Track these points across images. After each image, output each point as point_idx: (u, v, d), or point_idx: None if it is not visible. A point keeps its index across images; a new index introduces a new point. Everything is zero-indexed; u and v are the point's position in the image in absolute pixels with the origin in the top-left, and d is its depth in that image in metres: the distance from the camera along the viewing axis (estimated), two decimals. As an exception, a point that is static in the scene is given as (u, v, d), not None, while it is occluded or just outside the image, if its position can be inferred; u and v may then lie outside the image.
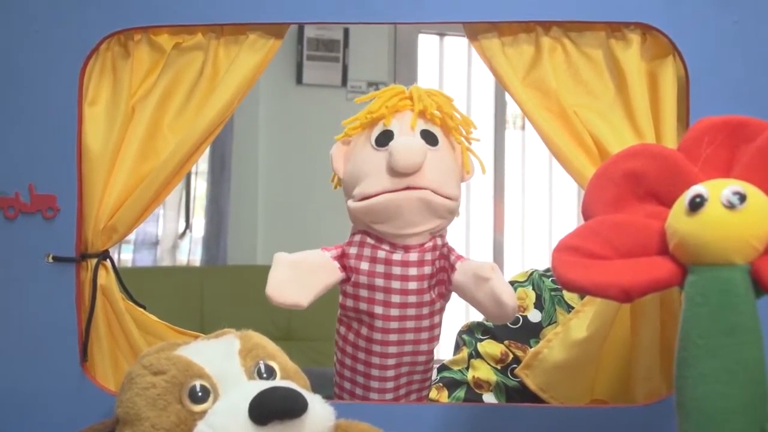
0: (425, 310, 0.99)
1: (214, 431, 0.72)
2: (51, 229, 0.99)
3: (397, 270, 0.97)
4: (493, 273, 0.95)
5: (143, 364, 0.79)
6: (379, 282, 0.97)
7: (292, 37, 3.14)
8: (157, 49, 1.02)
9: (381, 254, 0.97)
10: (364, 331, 0.99)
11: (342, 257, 1.00)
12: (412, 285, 0.97)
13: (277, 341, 0.86)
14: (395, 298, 0.97)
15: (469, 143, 1.03)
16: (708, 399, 0.69)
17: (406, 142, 0.94)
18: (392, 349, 0.99)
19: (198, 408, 0.75)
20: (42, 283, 0.99)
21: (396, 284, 0.97)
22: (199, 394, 0.76)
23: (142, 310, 1.05)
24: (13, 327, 1.00)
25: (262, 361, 0.80)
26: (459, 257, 1.00)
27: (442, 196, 0.95)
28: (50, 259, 0.99)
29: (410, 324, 0.98)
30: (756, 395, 0.69)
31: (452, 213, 0.99)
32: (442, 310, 1.02)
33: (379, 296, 0.97)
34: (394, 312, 0.97)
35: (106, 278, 1.01)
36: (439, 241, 1.00)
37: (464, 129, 1.03)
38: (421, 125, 0.98)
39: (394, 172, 0.93)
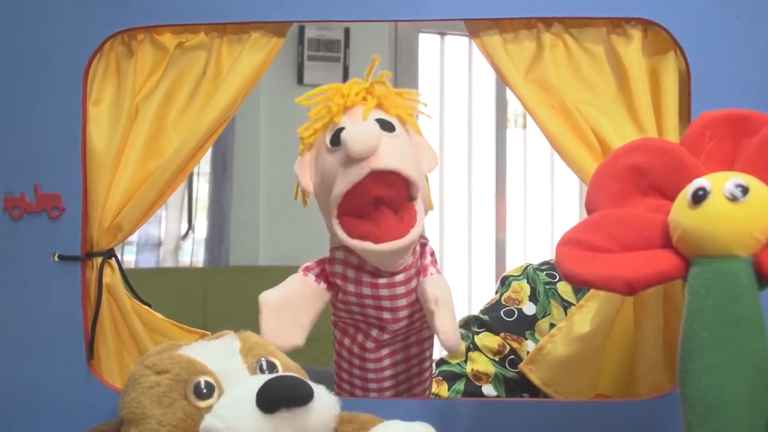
0: (416, 316, 0.98)
1: (222, 422, 0.72)
2: (56, 228, 1.00)
3: (384, 292, 0.94)
4: (437, 307, 0.90)
5: (146, 365, 0.79)
6: (369, 302, 0.95)
7: (293, 38, 3.14)
8: (161, 48, 1.03)
9: (366, 278, 0.94)
10: (359, 338, 0.98)
11: (325, 274, 0.97)
12: (402, 302, 0.95)
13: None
14: (386, 315, 0.95)
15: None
16: (713, 391, 0.69)
17: (357, 127, 0.88)
18: (386, 362, 0.98)
19: (203, 404, 0.76)
20: (48, 282, 1.00)
21: (386, 303, 0.95)
22: (204, 390, 0.76)
23: (147, 308, 1.06)
24: (20, 326, 1.00)
25: (263, 358, 0.80)
26: (425, 269, 0.96)
27: (407, 176, 0.89)
28: (56, 258, 1.00)
29: (401, 335, 0.98)
30: (761, 387, 0.69)
31: (425, 215, 0.93)
32: None
33: (371, 312, 0.96)
34: (388, 326, 0.96)
35: (111, 277, 1.01)
36: (418, 248, 0.96)
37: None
38: (375, 114, 0.93)
39: (352, 160, 0.88)
